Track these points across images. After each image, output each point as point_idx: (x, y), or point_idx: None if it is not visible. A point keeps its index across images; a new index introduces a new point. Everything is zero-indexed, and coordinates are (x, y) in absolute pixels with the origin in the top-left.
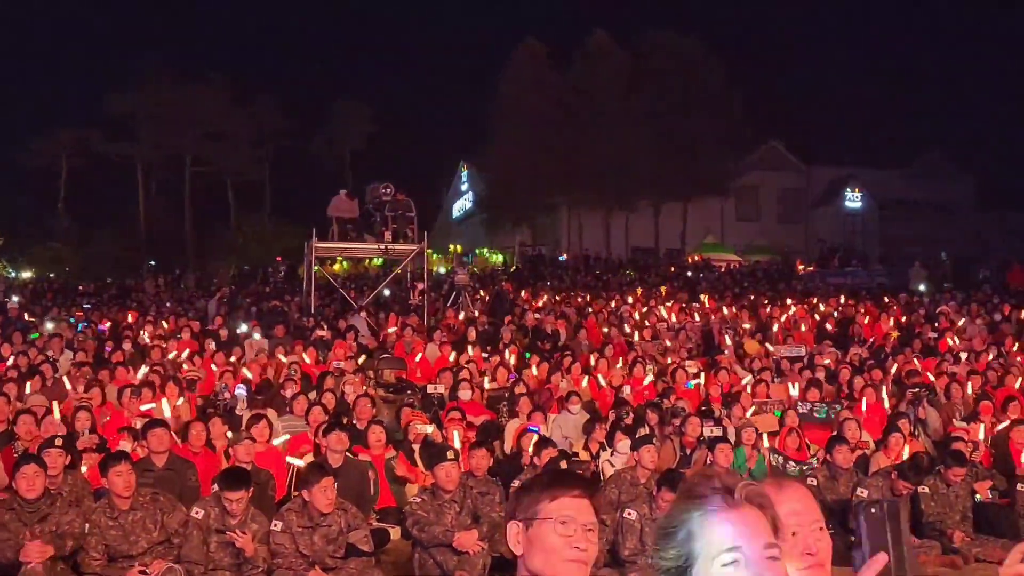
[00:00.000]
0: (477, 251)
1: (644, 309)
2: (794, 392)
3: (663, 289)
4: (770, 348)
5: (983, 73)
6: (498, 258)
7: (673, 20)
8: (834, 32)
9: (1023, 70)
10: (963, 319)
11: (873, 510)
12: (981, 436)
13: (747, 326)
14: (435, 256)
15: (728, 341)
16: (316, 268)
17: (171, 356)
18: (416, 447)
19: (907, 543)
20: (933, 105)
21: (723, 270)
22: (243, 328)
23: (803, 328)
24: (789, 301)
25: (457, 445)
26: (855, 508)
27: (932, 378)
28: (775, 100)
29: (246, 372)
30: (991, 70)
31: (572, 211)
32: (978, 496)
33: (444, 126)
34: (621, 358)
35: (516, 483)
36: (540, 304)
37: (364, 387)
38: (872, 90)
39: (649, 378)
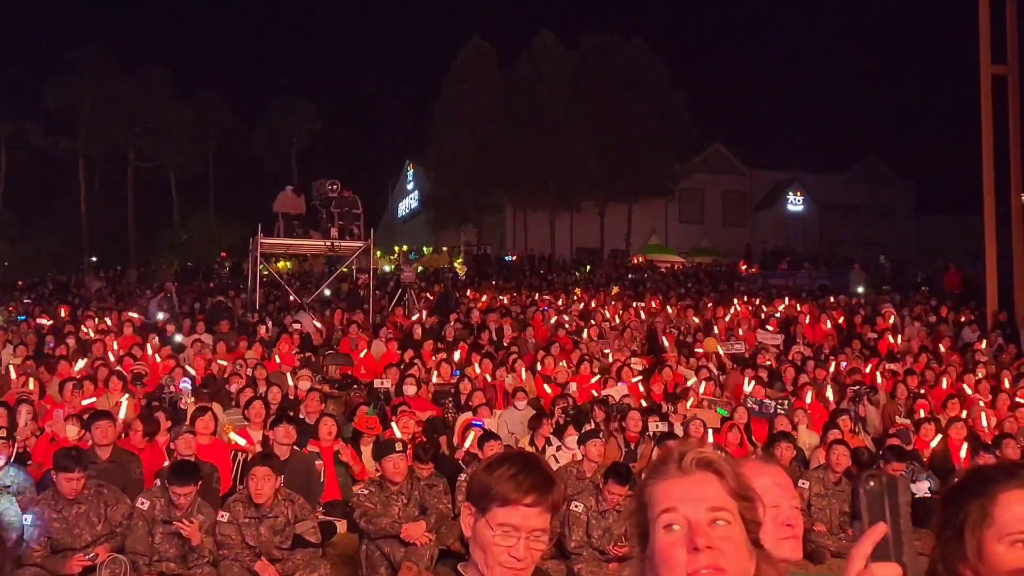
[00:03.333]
0: (425, 250)
1: (589, 308)
2: (748, 388)
3: (614, 289)
4: (720, 349)
5: (922, 79)
6: (443, 257)
7: (619, 23)
8: (777, 38)
9: (961, 76)
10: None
11: (872, 483)
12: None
13: (696, 320)
14: (379, 254)
15: (666, 342)
16: (261, 265)
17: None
18: (365, 448)
19: (905, 517)
20: (873, 111)
21: (666, 271)
22: (160, 316)
23: (745, 328)
24: (736, 302)
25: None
26: (854, 482)
27: (878, 378)
28: (719, 104)
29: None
30: (930, 76)
31: (517, 211)
32: (916, 493)
33: (390, 125)
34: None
35: (463, 478)
36: (484, 302)
37: (309, 383)
38: (813, 96)
39: (624, 381)
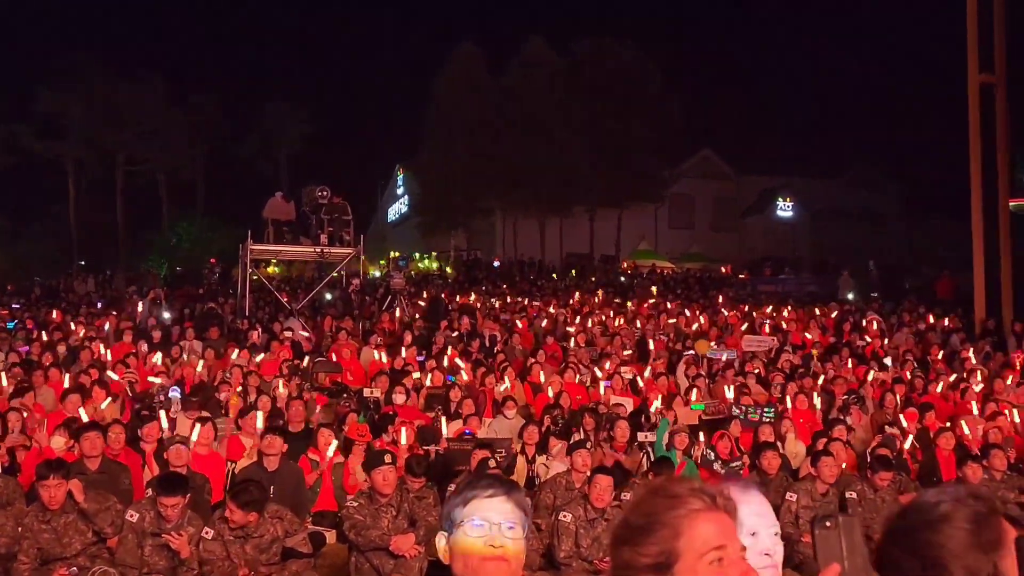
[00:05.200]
0: (415, 255)
1: (580, 314)
2: (729, 394)
3: (599, 294)
4: (711, 353)
5: (913, 84)
6: (433, 263)
7: (609, 28)
8: (767, 43)
9: (951, 81)
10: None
11: (828, 523)
12: (907, 441)
13: (696, 327)
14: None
15: (652, 346)
16: (251, 270)
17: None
18: (355, 457)
19: (861, 556)
20: (863, 117)
21: (657, 276)
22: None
23: (734, 334)
24: (725, 308)
25: (403, 442)
26: (811, 523)
27: (869, 385)
28: (709, 109)
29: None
30: (920, 81)
31: (507, 216)
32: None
33: (381, 130)
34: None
35: (452, 487)
36: (478, 308)
37: (299, 390)
38: (803, 101)
39: (602, 388)
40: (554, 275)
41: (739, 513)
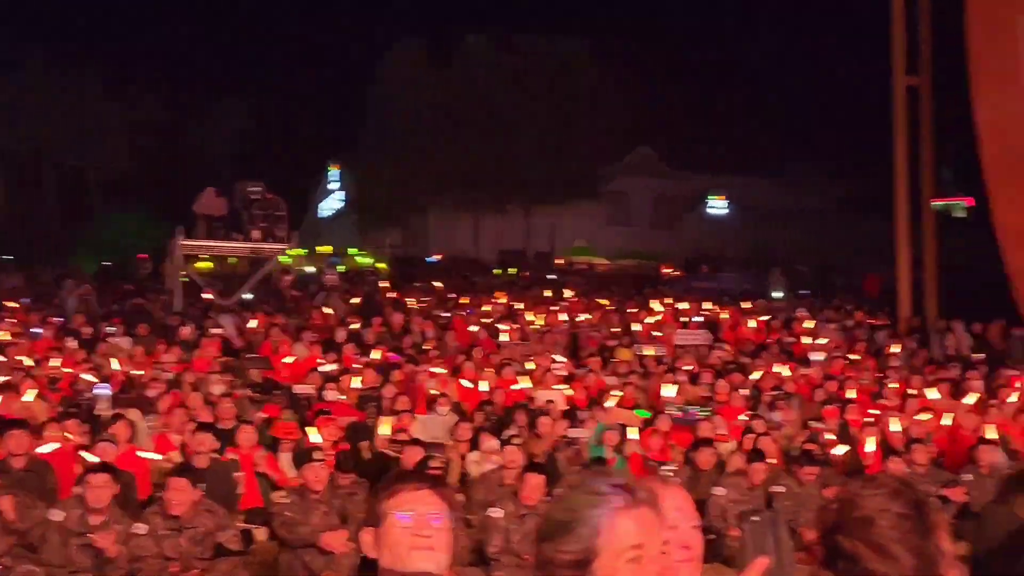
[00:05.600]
0: (349, 251)
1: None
2: (670, 392)
3: (534, 291)
4: (646, 350)
5: (842, 85)
6: (368, 259)
7: (549, 26)
8: (702, 41)
9: (885, 82)
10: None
11: (755, 518)
12: (832, 435)
13: (616, 329)
14: (303, 252)
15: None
16: (182, 266)
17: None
18: (284, 454)
19: (787, 550)
20: (798, 116)
21: (591, 273)
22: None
23: (667, 332)
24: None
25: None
26: (739, 517)
27: (797, 382)
28: (646, 107)
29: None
30: (849, 82)
31: (443, 212)
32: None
33: (315, 124)
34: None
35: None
36: (411, 304)
37: (230, 387)
38: (739, 99)
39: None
40: (496, 271)
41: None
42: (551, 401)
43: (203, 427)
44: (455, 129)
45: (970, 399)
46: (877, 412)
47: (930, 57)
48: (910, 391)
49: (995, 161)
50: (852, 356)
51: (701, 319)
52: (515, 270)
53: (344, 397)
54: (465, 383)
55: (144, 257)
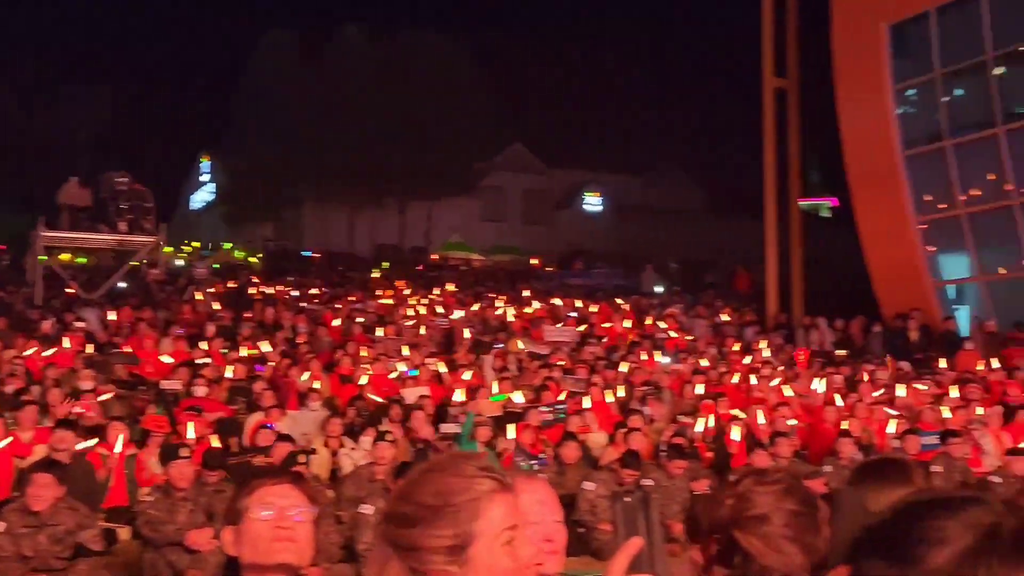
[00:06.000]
0: (220, 244)
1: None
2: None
3: (408, 286)
4: (521, 345)
5: (713, 86)
6: (239, 253)
7: (424, 20)
8: (578, 39)
9: (751, 82)
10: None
11: (628, 499)
12: (700, 428)
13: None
14: (170, 249)
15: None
16: (43, 258)
17: None
18: (152, 450)
19: (657, 531)
20: (669, 115)
21: (466, 269)
22: None
23: (540, 327)
24: (532, 301)
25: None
26: (611, 498)
27: (667, 376)
28: (520, 103)
29: None
30: (720, 84)
31: (318, 206)
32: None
33: (185, 115)
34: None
35: None
36: (284, 299)
37: (94, 383)
38: (612, 97)
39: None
40: (375, 269)
41: (522, 500)
42: (424, 396)
43: (64, 424)
44: (329, 122)
45: (832, 394)
46: (744, 406)
47: (797, 61)
48: (775, 385)
49: (858, 164)
50: (721, 351)
51: (574, 315)
52: (390, 265)
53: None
54: (340, 378)
55: (2, 249)
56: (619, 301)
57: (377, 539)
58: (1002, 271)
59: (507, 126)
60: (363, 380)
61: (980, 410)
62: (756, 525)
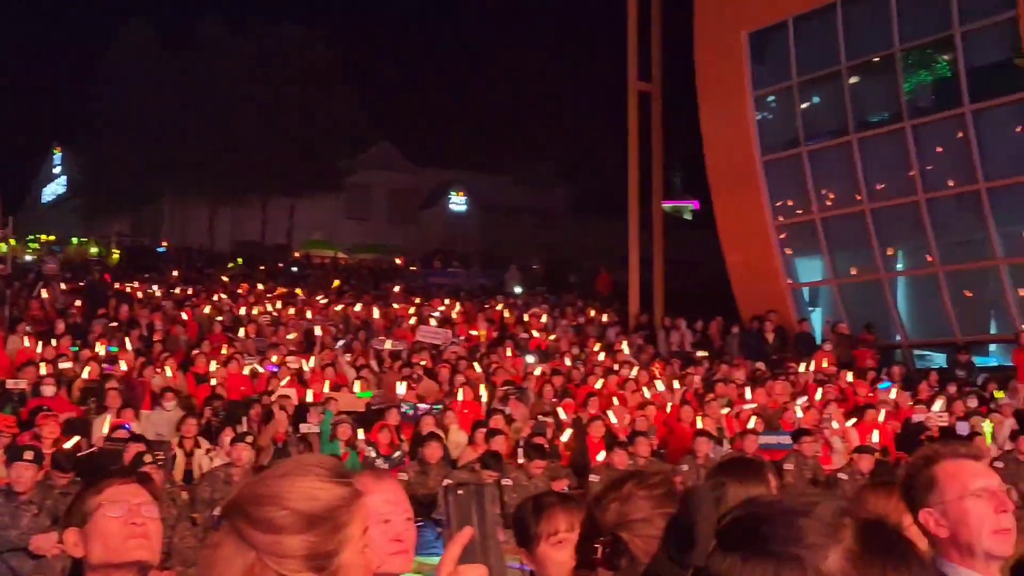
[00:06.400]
0: (73, 240)
1: (248, 304)
2: (401, 390)
3: (268, 284)
4: (388, 345)
5: (580, 89)
6: (93, 248)
7: (290, 14)
8: (445, 37)
9: (616, 85)
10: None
11: (460, 491)
12: (564, 434)
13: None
14: (13, 243)
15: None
16: None
17: None
18: None
19: (492, 522)
20: (533, 115)
21: (329, 267)
22: None
23: (404, 326)
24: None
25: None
26: (443, 490)
27: (529, 377)
28: (386, 100)
29: None
30: (587, 86)
31: (176, 201)
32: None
33: (36, 106)
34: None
35: None
36: (139, 296)
37: None
38: (480, 97)
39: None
40: (231, 265)
41: (372, 500)
42: (285, 396)
43: None
44: (190, 115)
45: (690, 394)
46: (604, 406)
47: (661, 66)
48: (636, 385)
49: (718, 168)
50: (583, 351)
51: (438, 314)
52: (250, 262)
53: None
54: (196, 377)
55: None
56: (483, 301)
57: (229, 539)
58: (854, 274)
59: (373, 124)
60: (220, 379)
61: (832, 409)
62: (642, 528)
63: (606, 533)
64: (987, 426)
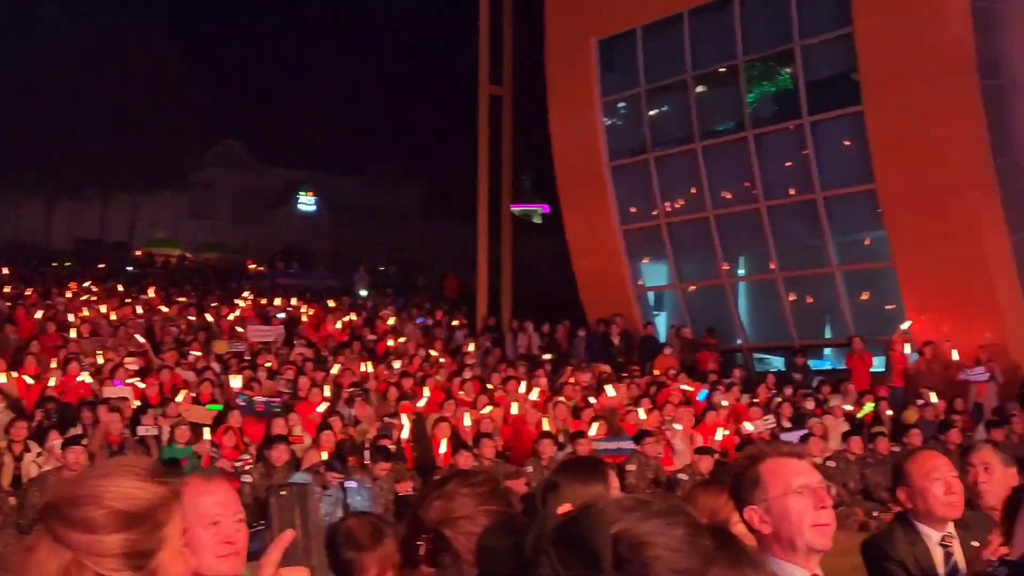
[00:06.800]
0: None
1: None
2: (236, 384)
3: (107, 283)
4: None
5: (433, 87)
6: None
7: (135, 5)
8: (293, 35)
9: (468, 87)
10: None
11: (283, 492)
12: (406, 435)
13: (196, 319)
14: None
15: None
16: None
17: None
18: None
19: (315, 523)
20: (385, 117)
21: (172, 266)
22: None
23: (248, 327)
24: (240, 300)
25: None
26: (267, 492)
27: (375, 378)
28: (234, 98)
29: None
30: (439, 89)
31: (10, 195)
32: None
33: None
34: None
35: None
36: None
37: None
38: (328, 97)
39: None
40: (71, 264)
41: (203, 502)
42: (123, 398)
43: None
44: (24, 105)
45: (535, 396)
46: (450, 408)
47: (512, 69)
48: (482, 388)
49: (567, 172)
50: (430, 354)
51: (284, 316)
52: (88, 260)
53: None
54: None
55: None
56: (331, 303)
57: (44, 542)
58: (698, 279)
59: (219, 121)
60: (52, 381)
61: (674, 412)
62: (464, 525)
63: (429, 531)
64: (829, 419)
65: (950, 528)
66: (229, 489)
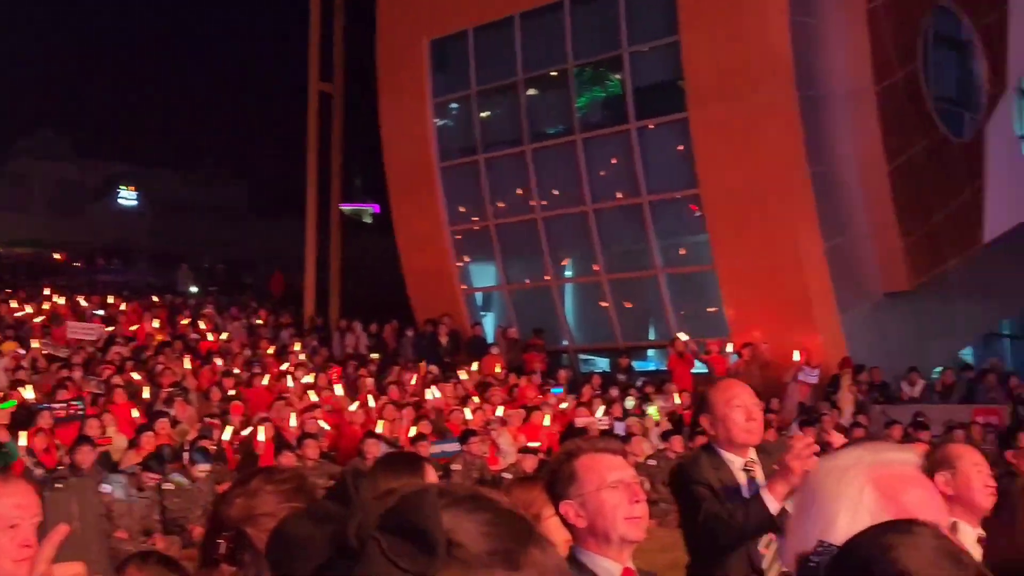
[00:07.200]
0: None
1: None
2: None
3: None
4: (36, 345)
5: (262, 82)
6: None
7: None
8: (122, 28)
9: (298, 84)
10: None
11: (59, 485)
12: (228, 436)
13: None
14: None
15: None
16: None
17: None
18: None
19: (93, 518)
20: (213, 112)
21: None
22: None
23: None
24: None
25: None
26: (40, 485)
27: (195, 378)
28: (51, 84)
29: None
30: (268, 85)
31: None
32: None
33: None
34: None
35: None
36: None
37: None
38: (155, 89)
39: None
40: None
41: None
42: None
43: None
44: None
45: (361, 396)
46: (275, 408)
47: (343, 67)
48: (309, 387)
49: (397, 172)
50: (255, 353)
51: (102, 313)
52: None
53: None
54: None
55: None
56: (152, 299)
57: None
58: (525, 280)
59: (35, 111)
60: None
61: (500, 411)
62: (267, 523)
63: (230, 528)
64: (649, 419)
65: (752, 454)
66: (29, 490)
